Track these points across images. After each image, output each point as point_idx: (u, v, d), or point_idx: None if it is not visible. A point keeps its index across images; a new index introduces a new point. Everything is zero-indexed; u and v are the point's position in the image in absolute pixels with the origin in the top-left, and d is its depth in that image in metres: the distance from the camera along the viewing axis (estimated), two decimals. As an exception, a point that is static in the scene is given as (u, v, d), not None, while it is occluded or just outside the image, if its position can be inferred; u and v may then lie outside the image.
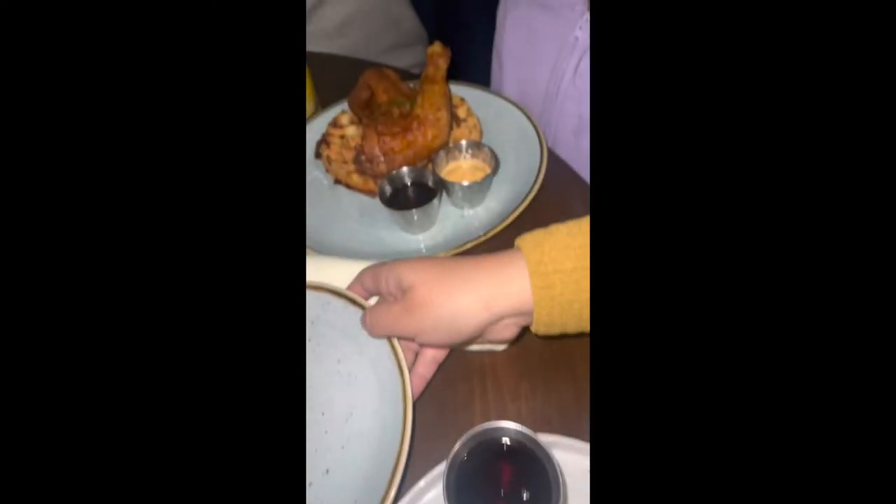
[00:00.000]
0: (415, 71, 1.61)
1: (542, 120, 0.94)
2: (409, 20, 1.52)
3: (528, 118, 0.89)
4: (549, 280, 0.51)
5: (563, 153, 0.92)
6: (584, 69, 0.85)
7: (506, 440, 0.45)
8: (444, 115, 0.80)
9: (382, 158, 0.78)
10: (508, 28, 0.97)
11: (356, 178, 0.84)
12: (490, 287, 0.52)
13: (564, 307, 0.51)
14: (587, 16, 0.83)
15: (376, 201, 0.82)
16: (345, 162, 0.86)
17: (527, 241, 0.55)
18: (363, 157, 0.79)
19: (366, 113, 0.87)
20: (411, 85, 0.97)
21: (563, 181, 0.84)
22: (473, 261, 0.55)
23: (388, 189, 0.78)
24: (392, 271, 0.56)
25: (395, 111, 0.83)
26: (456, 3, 1.84)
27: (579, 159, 0.90)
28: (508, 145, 0.89)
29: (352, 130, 0.94)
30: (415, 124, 0.79)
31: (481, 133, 0.91)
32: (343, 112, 0.97)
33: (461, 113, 0.91)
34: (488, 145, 0.81)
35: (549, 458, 0.43)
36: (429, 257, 0.61)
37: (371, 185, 0.83)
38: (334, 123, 0.95)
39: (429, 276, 0.53)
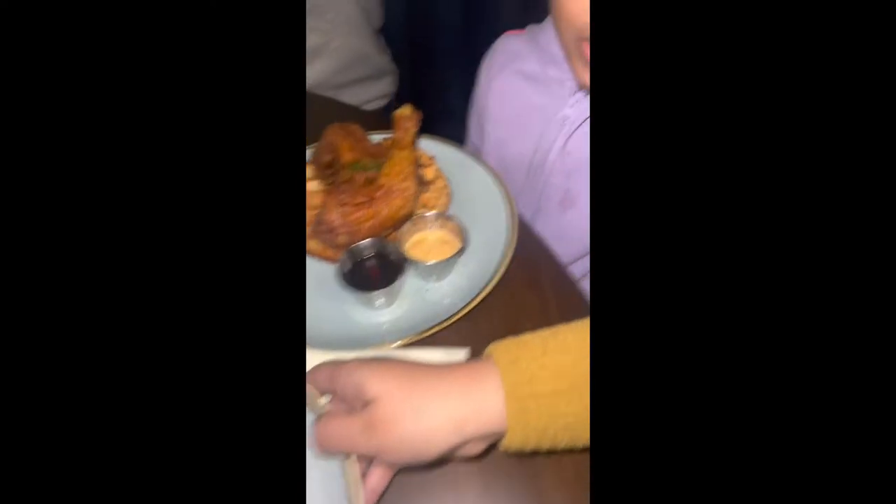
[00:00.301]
0: (381, 102, 1.58)
1: (526, 188, 0.92)
2: (379, 55, 1.49)
3: (500, 186, 0.86)
4: (524, 404, 0.48)
5: (547, 223, 0.90)
6: (571, 147, 0.84)
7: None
8: (411, 184, 0.76)
9: (343, 230, 0.74)
10: (494, 93, 0.94)
11: (314, 244, 0.79)
12: (462, 406, 0.48)
13: (539, 432, 0.49)
14: (578, 95, 0.81)
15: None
16: (304, 225, 0.81)
17: (501, 355, 0.51)
18: (323, 227, 0.74)
19: (328, 173, 0.82)
20: (377, 139, 0.92)
21: (532, 256, 0.81)
22: (443, 372, 0.52)
23: (347, 264, 0.73)
24: (352, 375, 0.50)
25: (360, 177, 0.78)
26: (429, 37, 1.81)
27: (563, 231, 0.88)
28: (478, 211, 0.85)
29: (313, 185, 0.89)
30: (379, 193, 0.75)
31: (450, 196, 0.87)
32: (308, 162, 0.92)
33: (429, 174, 0.88)
34: (457, 217, 0.77)
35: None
36: (394, 361, 0.56)
37: (330, 252, 0.78)
38: (295, 178, 0.90)
39: (394, 388, 0.49)
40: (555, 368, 0.49)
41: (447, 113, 1.92)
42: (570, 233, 0.87)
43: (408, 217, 0.79)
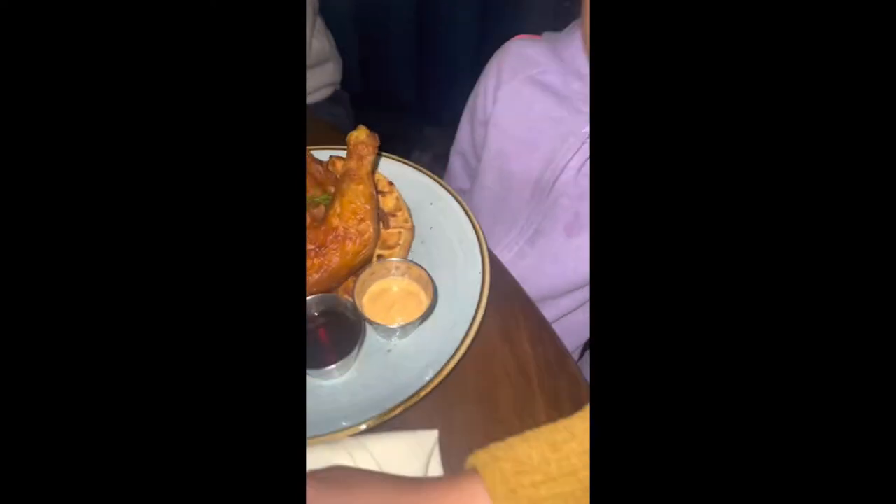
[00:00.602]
0: (323, 93, 1.42)
1: (528, 207, 0.81)
2: (318, 39, 1.32)
3: (470, 219, 0.75)
4: None
5: (545, 247, 0.81)
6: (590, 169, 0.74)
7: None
8: (368, 225, 0.64)
9: (287, 285, 0.61)
10: (501, 99, 0.82)
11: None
12: None
13: None
14: None
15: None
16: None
17: (495, 484, 0.42)
18: (261, 283, 0.60)
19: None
20: (322, 157, 0.79)
21: (507, 301, 0.71)
22: (425, 490, 0.43)
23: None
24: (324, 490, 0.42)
25: (307, 218, 0.65)
26: (379, 19, 1.65)
27: (563, 257, 0.79)
28: (444, 249, 0.74)
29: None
30: (330, 239, 0.62)
31: (413, 230, 0.75)
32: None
33: (388, 203, 0.75)
34: (421, 266, 0.65)
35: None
36: (369, 475, 0.46)
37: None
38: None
39: None
40: (546, 479, 0.42)
41: (400, 110, 1.77)
42: (570, 261, 0.78)
43: (365, 262, 0.67)
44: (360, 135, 0.67)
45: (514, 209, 0.83)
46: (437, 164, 1.61)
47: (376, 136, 0.68)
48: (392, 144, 1.73)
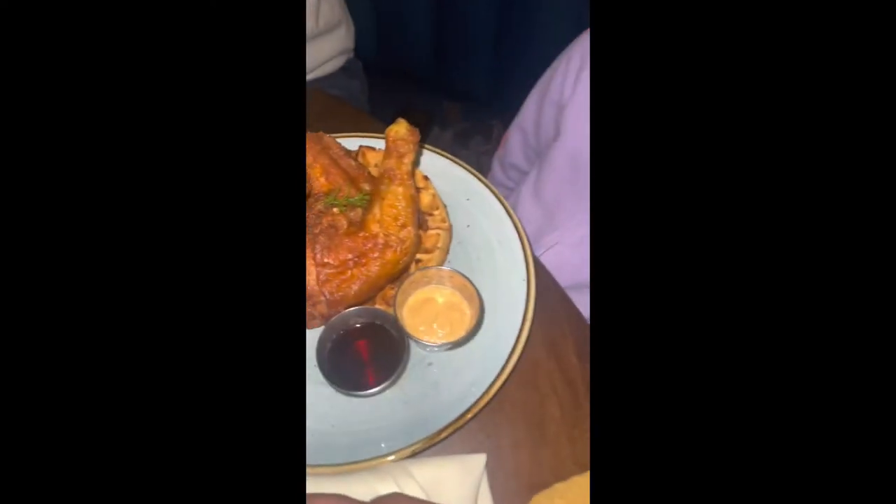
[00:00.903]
0: (336, 63, 1.33)
1: None
2: (327, 3, 1.21)
3: (512, 218, 0.70)
4: None
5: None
6: None
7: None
8: (410, 232, 0.59)
9: (323, 298, 0.56)
10: (586, 82, 0.76)
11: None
12: None
13: None
14: None
15: (309, 335, 0.61)
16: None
17: None
18: (296, 295, 0.56)
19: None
20: (350, 147, 0.73)
21: (553, 312, 0.67)
22: None
23: (328, 344, 0.56)
24: None
25: (342, 221, 0.59)
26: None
27: None
28: (484, 253, 0.70)
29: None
30: (369, 247, 0.57)
31: (451, 231, 0.70)
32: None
33: (425, 201, 0.70)
34: (466, 277, 0.61)
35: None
36: None
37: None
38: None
39: None
40: None
41: (416, 81, 1.68)
42: None
43: (405, 270, 0.62)
44: (400, 130, 0.61)
45: (582, 195, 0.78)
46: (458, 143, 1.54)
47: (416, 130, 0.62)
48: (409, 121, 1.65)
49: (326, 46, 1.26)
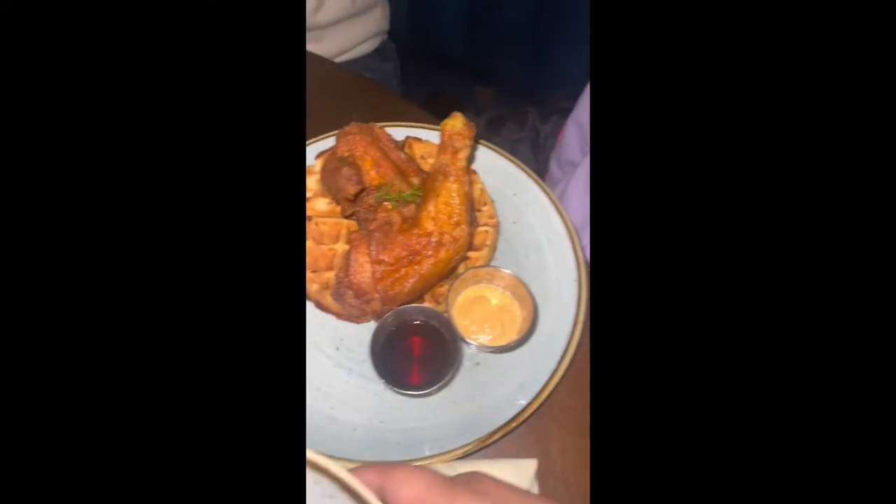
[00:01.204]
0: (370, 45, 1.30)
1: None
2: None
3: (563, 219, 0.69)
4: None
5: None
6: None
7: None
8: (463, 230, 0.58)
9: (377, 294, 0.55)
10: None
11: (332, 302, 0.60)
12: None
13: None
14: None
15: (362, 331, 0.60)
16: (314, 269, 0.61)
17: None
18: (349, 292, 0.55)
19: (349, 205, 0.62)
20: (398, 136, 0.71)
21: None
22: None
23: (380, 338, 0.55)
24: (406, 485, 0.39)
25: (396, 218, 0.58)
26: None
27: None
28: (532, 247, 0.68)
29: (321, 205, 0.68)
30: (423, 244, 0.56)
31: (498, 227, 0.69)
32: (308, 170, 0.70)
33: (474, 195, 0.68)
34: (519, 278, 0.59)
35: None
36: (457, 481, 0.42)
37: (350, 313, 0.60)
38: (296, 191, 0.68)
39: None
40: None
41: (447, 65, 1.64)
42: None
43: (455, 268, 0.61)
44: (456, 124, 0.59)
45: None
46: (491, 130, 1.51)
47: (473, 125, 0.60)
48: (439, 105, 1.62)
49: (361, 27, 1.24)
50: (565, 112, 1.47)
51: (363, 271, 0.54)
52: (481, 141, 0.76)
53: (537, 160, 1.40)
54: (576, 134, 0.93)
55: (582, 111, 0.90)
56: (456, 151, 0.59)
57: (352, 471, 0.38)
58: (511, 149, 1.45)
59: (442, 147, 0.60)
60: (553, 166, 1.12)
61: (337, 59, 1.20)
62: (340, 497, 0.38)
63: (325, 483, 0.38)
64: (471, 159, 0.63)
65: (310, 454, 0.37)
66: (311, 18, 1.13)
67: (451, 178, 0.58)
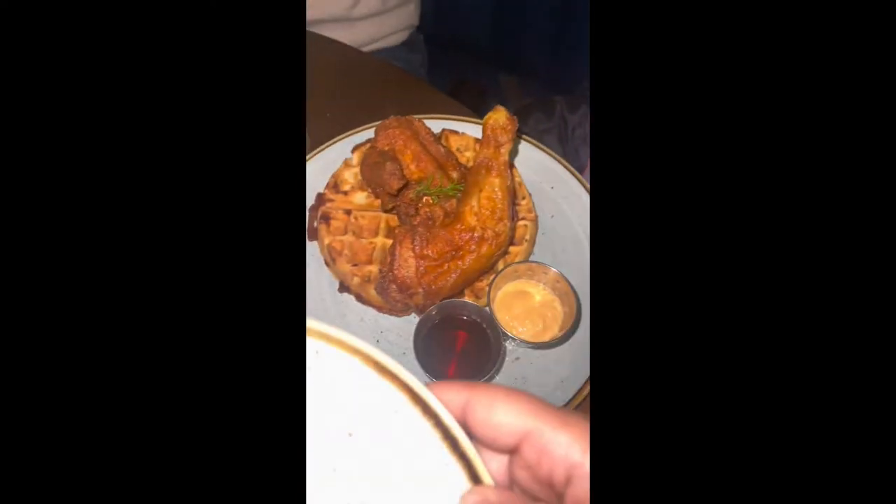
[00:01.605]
0: (399, 37, 1.30)
1: None
2: None
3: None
4: None
5: None
6: None
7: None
8: (506, 225, 0.57)
9: (421, 289, 0.55)
10: None
11: (374, 291, 0.60)
12: None
13: None
14: None
15: (405, 324, 0.60)
16: (354, 263, 0.62)
17: None
18: (393, 286, 0.55)
19: (390, 200, 0.62)
20: (443, 144, 0.70)
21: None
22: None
23: (423, 331, 0.56)
24: (504, 408, 0.29)
25: (439, 212, 0.58)
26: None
27: None
28: (570, 240, 0.68)
29: (360, 199, 0.68)
30: (467, 238, 0.56)
31: (536, 222, 0.68)
32: (346, 163, 0.70)
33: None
34: (562, 274, 0.59)
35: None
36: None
37: (389, 307, 0.60)
38: (334, 184, 0.69)
39: None
40: None
41: (473, 54, 1.63)
42: None
43: (496, 262, 0.61)
44: (500, 118, 0.59)
45: None
46: (519, 120, 1.50)
47: (516, 119, 0.60)
48: (465, 94, 1.59)
49: (393, 21, 1.25)
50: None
51: (408, 266, 0.54)
52: (520, 134, 0.75)
53: (565, 151, 1.39)
54: None
55: None
56: (499, 146, 0.58)
57: (429, 385, 0.31)
58: (539, 139, 1.44)
59: (485, 141, 0.59)
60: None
61: (366, 48, 1.21)
62: (407, 411, 0.32)
63: (393, 392, 0.32)
64: (513, 154, 0.62)
65: (382, 357, 0.31)
66: (347, 13, 1.14)
67: (494, 173, 0.58)
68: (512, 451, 0.29)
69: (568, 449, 0.28)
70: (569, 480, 0.28)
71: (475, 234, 0.56)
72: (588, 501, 0.27)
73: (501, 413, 0.28)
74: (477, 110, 0.81)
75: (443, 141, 0.71)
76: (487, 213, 0.56)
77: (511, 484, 0.31)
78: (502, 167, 0.58)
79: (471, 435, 0.29)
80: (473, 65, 1.59)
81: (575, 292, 0.58)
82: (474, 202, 0.57)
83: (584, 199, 0.71)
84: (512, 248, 0.64)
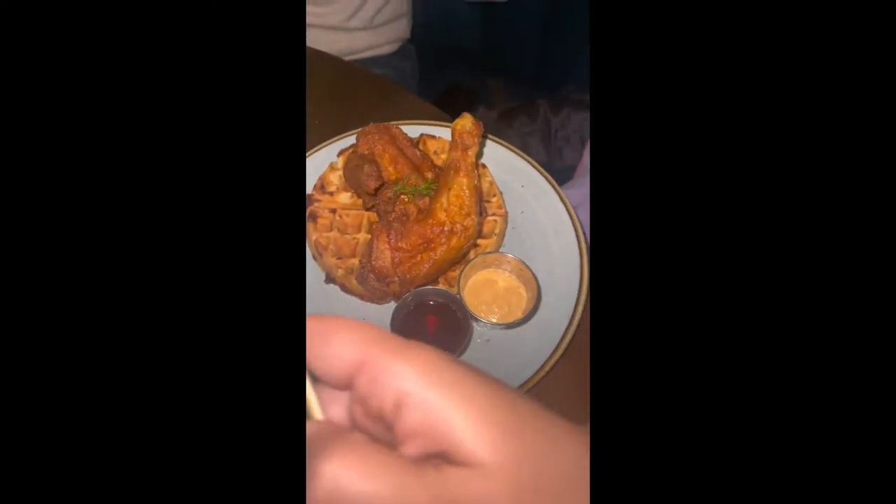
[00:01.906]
0: (391, 47, 1.37)
1: None
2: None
3: (567, 210, 0.74)
4: None
5: None
6: None
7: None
8: (472, 221, 0.64)
9: (397, 278, 0.62)
10: None
11: (355, 281, 0.67)
12: None
13: None
14: None
15: (384, 311, 0.67)
16: (339, 256, 0.68)
17: None
18: (372, 275, 0.62)
19: (370, 199, 0.68)
20: (415, 140, 0.77)
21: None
22: None
23: (399, 316, 0.62)
24: (336, 340, 0.27)
25: (412, 209, 0.65)
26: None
27: None
28: (538, 235, 0.74)
29: (345, 198, 0.75)
30: (437, 232, 0.62)
31: (507, 217, 0.75)
32: (331, 166, 0.77)
33: (483, 187, 0.74)
34: (523, 262, 0.66)
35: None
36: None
37: (369, 295, 0.67)
38: (321, 186, 0.75)
39: None
40: None
41: (462, 60, 1.70)
42: None
43: (466, 254, 0.67)
44: (466, 124, 0.65)
45: None
46: (503, 123, 1.56)
47: (481, 124, 0.66)
48: (454, 100, 1.66)
49: (385, 34, 1.31)
50: (576, 104, 1.50)
51: (384, 257, 0.61)
52: (491, 136, 0.81)
53: (548, 152, 1.45)
54: None
55: None
56: (466, 148, 0.65)
57: None
58: (522, 141, 1.51)
59: (453, 145, 0.66)
60: (585, 156, 1.14)
61: (361, 55, 1.28)
62: None
63: None
64: (479, 155, 0.69)
65: None
66: (343, 23, 1.22)
67: (462, 173, 0.64)
68: (348, 386, 0.26)
69: (400, 378, 0.25)
70: (398, 410, 0.25)
71: (445, 228, 0.62)
72: (422, 432, 0.24)
73: (336, 344, 0.26)
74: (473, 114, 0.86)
75: (420, 145, 0.78)
76: (456, 209, 0.63)
77: (351, 423, 0.28)
78: (469, 168, 0.64)
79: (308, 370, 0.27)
80: (462, 71, 1.65)
81: (536, 279, 0.65)
82: (444, 200, 0.63)
83: (553, 196, 0.77)
84: (482, 241, 0.70)
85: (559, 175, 0.84)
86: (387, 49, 1.34)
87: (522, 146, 1.09)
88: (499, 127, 1.52)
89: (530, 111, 1.49)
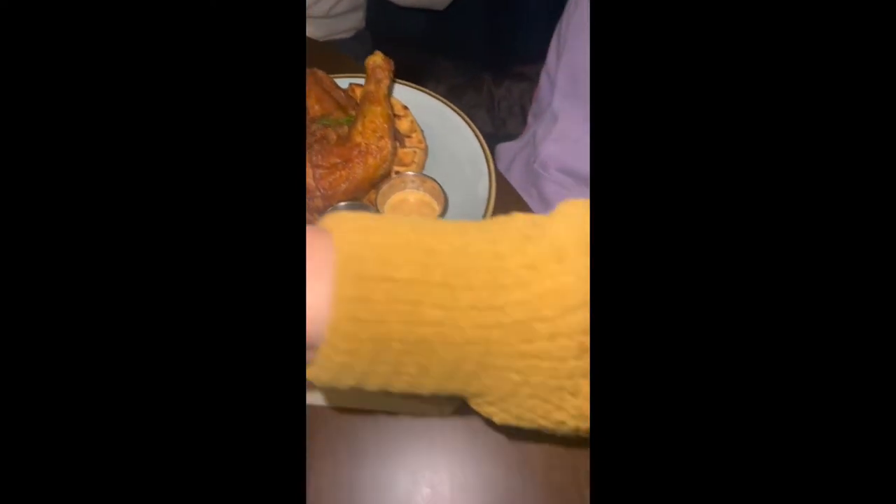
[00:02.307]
0: (346, 34, 1.46)
1: None
2: None
3: (480, 143, 0.83)
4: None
5: None
6: None
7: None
8: (387, 143, 0.72)
9: (319, 193, 0.70)
10: (583, 8, 0.84)
11: (287, 207, 0.75)
12: None
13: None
14: None
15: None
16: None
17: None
18: (296, 192, 0.70)
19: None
20: (343, 84, 0.86)
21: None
22: None
23: (325, 228, 0.70)
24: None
25: (332, 135, 0.73)
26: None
27: None
28: (455, 169, 0.82)
29: (280, 140, 0.83)
30: (354, 153, 0.71)
31: (427, 151, 0.83)
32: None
33: (404, 126, 0.83)
34: (435, 179, 0.74)
35: None
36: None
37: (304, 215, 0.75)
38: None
39: None
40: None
41: (415, 44, 1.79)
42: None
43: (385, 176, 0.75)
44: (377, 59, 0.74)
45: (582, 101, 0.89)
46: (452, 95, 1.66)
47: (391, 60, 0.75)
48: (404, 75, 1.75)
49: (341, 24, 1.40)
50: (519, 77, 1.60)
51: (308, 176, 0.69)
52: (416, 86, 0.90)
53: (493, 122, 1.54)
54: (546, 81, 1.01)
55: (550, 60, 0.99)
56: (378, 81, 0.73)
57: None
58: (470, 114, 1.59)
59: (367, 79, 0.74)
60: (531, 120, 1.22)
61: (322, 39, 1.36)
62: None
63: None
64: (391, 88, 0.77)
65: None
66: (308, 10, 1.30)
67: (375, 103, 0.73)
68: None
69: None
70: None
71: (360, 149, 0.71)
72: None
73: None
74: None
75: (350, 92, 0.86)
76: (370, 132, 0.71)
77: None
78: (382, 97, 0.73)
79: None
80: (413, 54, 1.74)
81: (445, 195, 0.73)
82: (360, 125, 0.72)
83: (469, 136, 0.86)
84: (401, 169, 0.79)
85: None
86: (345, 35, 1.43)
87: (470, 118, 1.17)
88: (449, 98, 1.62)
89: (476, 85, 1.59)
